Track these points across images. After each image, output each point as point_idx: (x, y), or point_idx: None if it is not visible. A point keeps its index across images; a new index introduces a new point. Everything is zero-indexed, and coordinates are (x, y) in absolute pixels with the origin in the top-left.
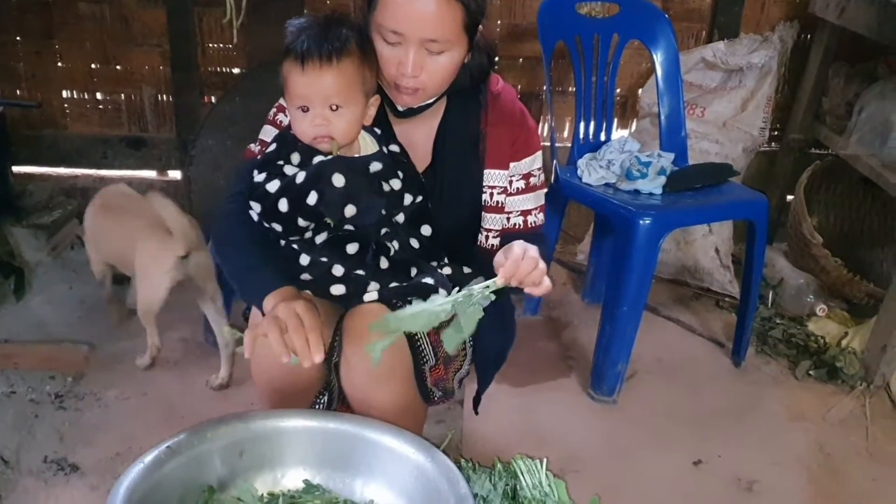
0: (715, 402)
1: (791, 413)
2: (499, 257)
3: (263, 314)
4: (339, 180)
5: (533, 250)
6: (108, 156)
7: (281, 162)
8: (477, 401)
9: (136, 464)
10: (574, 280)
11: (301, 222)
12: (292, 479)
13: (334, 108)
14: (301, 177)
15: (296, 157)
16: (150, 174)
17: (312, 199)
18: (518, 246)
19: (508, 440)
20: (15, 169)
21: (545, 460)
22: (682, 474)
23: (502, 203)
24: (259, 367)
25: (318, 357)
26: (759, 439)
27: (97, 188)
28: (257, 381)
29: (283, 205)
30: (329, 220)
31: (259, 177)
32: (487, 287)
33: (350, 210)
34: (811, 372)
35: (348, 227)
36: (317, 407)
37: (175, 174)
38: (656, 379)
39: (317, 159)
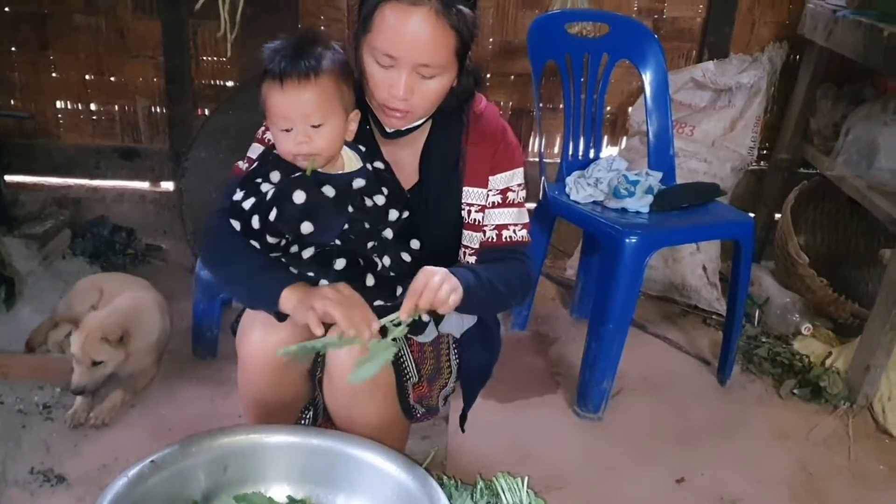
0: (699, 420)
1: (775, 432)
2: (412, 285)
3: (279, 316)
4: (299, 197)
5: (438, 276)
6: (101, 166)
7: (259, 180)
8: (463, 419)
9: (119, 478)
10: (562, 295)
11: (270, 239)
12: (276, 494)
13: (315, 125)
14: (269, 193)
15: (275, 175)
16: (143, 185)
17: (272, 215)
18: (422, 274)
19: (493, 456)
20: (7, 178)
21: (527, 478)
22: (665, 492)
23: (480, 221)
24: (245, 381)
25: (376, 326)
26: (742, 457)
27: (90, 198)
28: (243, 396)
29: (255, 222)
30: (287, 237)
31: (238, 195)
32: (393, 321)
33: (307, 227)
34: (795, 391)
35: (336, 241)
36: (302, 422)
37: (167, 185)
38: (642, 396)
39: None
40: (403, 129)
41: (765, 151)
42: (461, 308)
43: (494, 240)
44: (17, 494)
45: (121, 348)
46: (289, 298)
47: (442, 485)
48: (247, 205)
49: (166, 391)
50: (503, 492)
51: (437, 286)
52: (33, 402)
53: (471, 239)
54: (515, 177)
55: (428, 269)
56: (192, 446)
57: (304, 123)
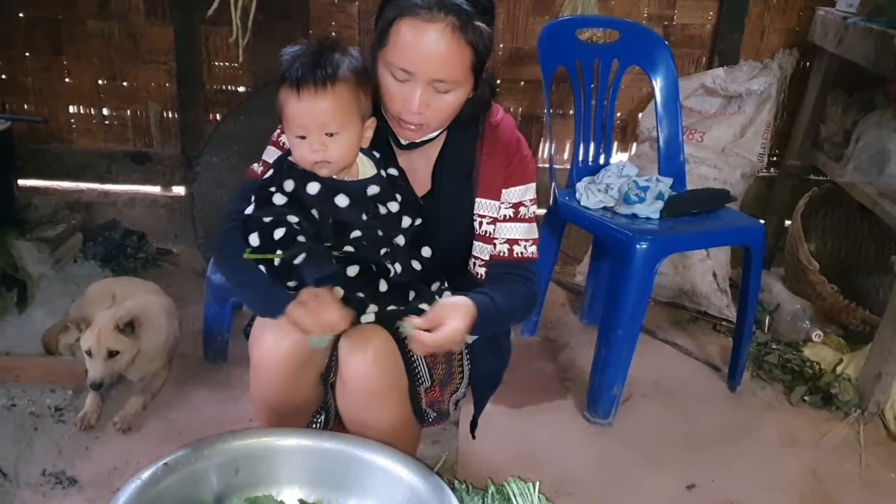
0: (710, 427)
1: (785, 438)
2: (436, 312)
3: None
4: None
5: (460, 327)
6: (113, 170)
7: (273, 189)
8: (474, 425)
9: (132, 480)
10: (572, 301)
11: None
12: (287, 497)
13: (331, 134)
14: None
15: (289, 185)
16: (154, 189)
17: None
18: (444, 310)
19: (503, 461)
20: (20, 182)
21: (538, 483)
22: (675, 498)
23: (491, 233)
24: (257, 385)
25: (345, 324)
26: (752, 464)
27: (101, 202)
28: (255, 399)
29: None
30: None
31: (250, 207)
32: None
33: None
34: (806, 398)
35: (348, 248)
36: (313, 426)
37: (179, 190)
38: (652, 402)
39: (311, 187)
40: (418, 140)
41: (775, 158)
42: (473, 331)
43: (505, 254)
44: (30, 496)
45: (133, 338)
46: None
47: (453, 489)
48: (252, 241)
49: (177, 395)
50: (514, 496)
51: (449, 339)
52: (45, 404)
53: (481, 250)
54: (528, 191)
55: (456, 310)
56: (204, 449)
57: (319, 132)
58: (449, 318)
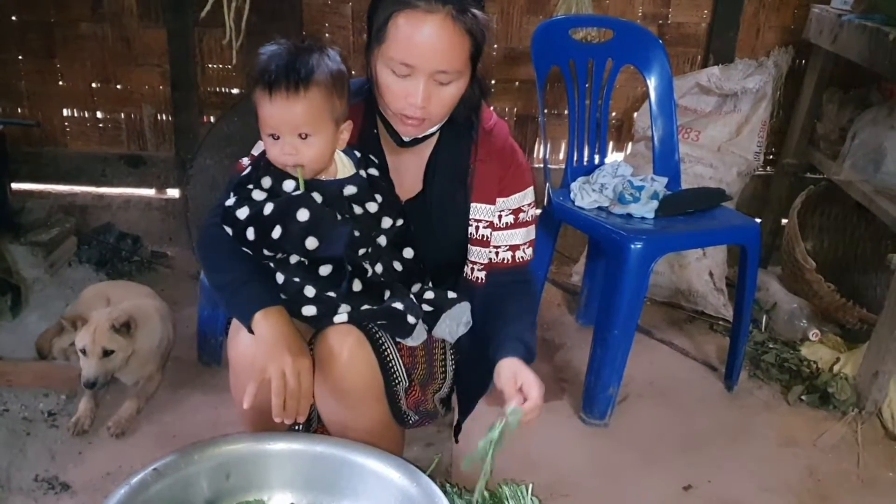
0: (706, 427)
1: (782, 438)
2: (506, 386)
3: (250, 331)
4: (303, 215)
5: (537, 388)
6: (107, 174)
7: (251, 186)
8: (457, 430)
9: (121, 486)
10: (568, 301)
11: (267, 252)
12: (279, 501)
13: (303, 136)
14: (269, 209)
15: (266, 181)
16: (149, 192)
17: (276, 233)
18: (534, 390)
19: (498, 464)
20: (14, 186)
21: (531, 486)
22: (672, 499)
23: (488, 237)
24: (237, 384)
25: (301, 418)
26: (749, 464)
27: (96, 205)
28: (236, 399)
29: (251, 233)
30: (295, 255)
31: (230, 200)
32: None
33: (312, 243)
34: (803, 397)
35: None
36: (296, 428)
37: (173, 193)
38: (648, 402)
39: (287, 184)
40: (420, 136)
41: (771, 156)
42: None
43: (508, 261)
44: (22, 502)
45: (128, 338)
46: (259, 323)
47: (445, 492)
48: (241, 214)
49: (171, 398)
50: (507, 499)
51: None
52: (38, 409)
53: (478, 255)
54: (526, 196)
55: (529, 380)
56: (194, 454)
57: (291, 134)
58: (527, 390)
